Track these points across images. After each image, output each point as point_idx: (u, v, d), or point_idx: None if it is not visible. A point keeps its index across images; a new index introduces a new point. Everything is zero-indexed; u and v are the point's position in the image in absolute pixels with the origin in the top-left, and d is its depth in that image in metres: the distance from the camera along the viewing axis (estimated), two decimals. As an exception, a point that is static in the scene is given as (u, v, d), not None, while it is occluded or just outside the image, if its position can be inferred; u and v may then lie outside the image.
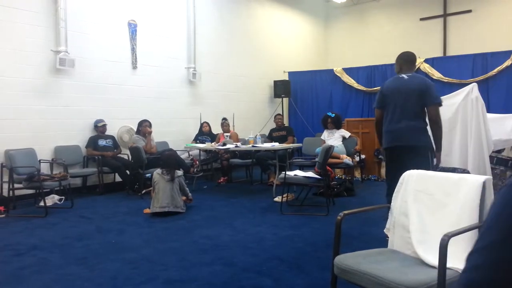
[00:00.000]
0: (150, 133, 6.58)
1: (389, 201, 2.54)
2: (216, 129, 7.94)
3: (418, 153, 3.51)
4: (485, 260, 0.64)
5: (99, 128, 6.57)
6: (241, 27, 9.44)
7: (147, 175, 6.24)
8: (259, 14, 9.94)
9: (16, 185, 5.34)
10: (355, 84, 9.63)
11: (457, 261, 1.95)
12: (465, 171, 3.83)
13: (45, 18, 6.06)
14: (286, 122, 9.69)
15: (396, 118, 3.64)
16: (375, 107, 3.90)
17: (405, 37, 10.58)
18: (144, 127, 6.58)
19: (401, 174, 2.49)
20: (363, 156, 7.43)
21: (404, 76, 3.70)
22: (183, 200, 5.08)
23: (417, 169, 2.47)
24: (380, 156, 7.45)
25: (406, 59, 3.83)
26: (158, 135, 6.90)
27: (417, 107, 3.60)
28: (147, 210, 5.02)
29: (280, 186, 5.55)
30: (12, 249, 3.72)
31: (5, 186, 5.44)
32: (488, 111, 4.40)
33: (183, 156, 7.19)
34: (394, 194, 2.45)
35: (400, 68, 3.82)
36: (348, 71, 9.77)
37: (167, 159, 5.18)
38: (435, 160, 3.64)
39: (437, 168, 3.58)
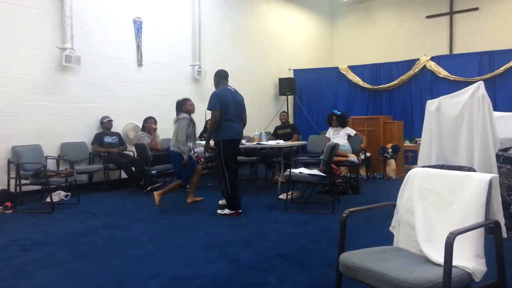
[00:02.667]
0: (155, 130, 6.59)
1: None
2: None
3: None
4: None
5: (105, 124, 6.60)
6: (246, 24, 9.43)
7: (153, 171, 6.28)
8: (264, 11, 9.92)
9: (23, 181, 5.38)
10: (360, 82, 9.61)
11: (463, 259, 1.95)
12: (471, 169, 3.81)
13: (51, 16, 6.09)
14: (291, 120, 9.68)
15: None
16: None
17: (411, 35, 10.54)
18: (149, 124, 6.61)
19: None
20: (368, 154, 7.42)
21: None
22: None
23: None
24: (385, 154, 7.44)
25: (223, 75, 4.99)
26: (163, 132, 6.92)
27: None
28: None
29: (285, 183, 5.55)
30: (19, 244, 3.76)
31: (12, 182, 5.49)
32: (495, 109, 4.36)
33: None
34: (399, 192, 2.45)
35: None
36: (354, 69, 9.75)
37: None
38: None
39: None
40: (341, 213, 2.30)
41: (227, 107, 4.73)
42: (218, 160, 4.86)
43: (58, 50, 6.13)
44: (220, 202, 5.12)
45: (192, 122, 5.32)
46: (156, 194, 5.20)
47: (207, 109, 4.85)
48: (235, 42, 9.12)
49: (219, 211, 4.84)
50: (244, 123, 5.03)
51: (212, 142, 5.05)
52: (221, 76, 5.02)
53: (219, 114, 4.71)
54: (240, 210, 4.79)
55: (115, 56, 6.90)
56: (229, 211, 4.77)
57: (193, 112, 5.42)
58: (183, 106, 5.35)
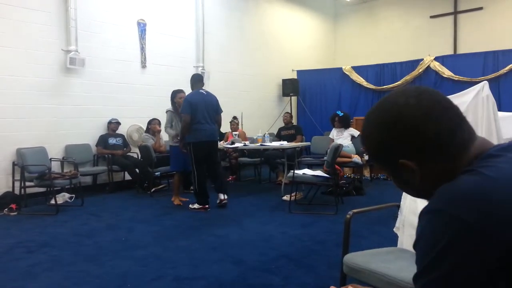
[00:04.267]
0: (159, 131, 6.61)
1: None
2: (225, 127, 7.94)
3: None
4: None
5: (111, 126, 6.62)
6: (250, 25, 9.44)
7: (156, 173, 6.29)
8: (267, 12, 9.93)
9: (27, 183, 5.40)
10: (364, 83, 9.59)
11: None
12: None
13: (55, 18, 6.12)
14: (294, 121, 9.67)
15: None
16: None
17: (415, 35, 10.50)
18: (153, 126, 6.62)
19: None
20: (372, 155, 7.39)
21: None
22: None
23: None
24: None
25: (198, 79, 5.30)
26: (167, 134, 6.93)
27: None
28: None
29: (288, 185, 5.54)
30: (24, 246, 3.77)
31: (17, 184, 5.51)
32: (499, 109, 4.34)
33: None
34: (403, 193, 2.44)
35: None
36: (357, 69, 9.73)
37: None
38: None
39: None
40: (345, 214, 2.30)
41: (197, 110, 5.00)
42: (190, 160, 5.14)
43: (62, 52, 6.16)
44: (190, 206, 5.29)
45: (173, 114, 5.53)
46: (174, 200, 5.49)
47: (179, 112, 5.21)
48: (238, 43, 9.13)
49: (190, 205, 5.21)
50: (218, 124, 5.32)
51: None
52: (195, 80, 5.32)
53: (189, 117, 4.99)
54: (207, 205, 5.11)
55: (119, 58, 6.93)
56: (198, 205, 5.12)
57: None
58: (174, 98, 5.60)
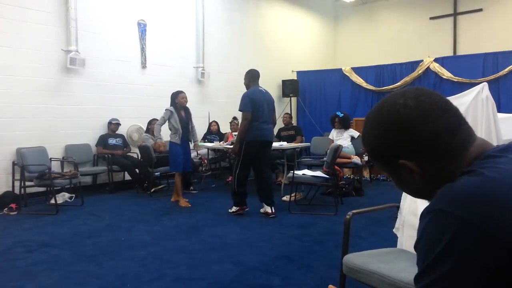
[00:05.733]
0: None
1: None
2: (225, 128, 7.96)
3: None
4: None
5: (112, 126, 6.63)
6: (250, 26, 9.45)
7: (156, 173, 6.29)
8: (267, 13, 9.93)
9: (27, 183, 5.40)
10: (363, 84, 9.59)
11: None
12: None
13: (56, 18, 6.12)
14: (294, 121, 9.68)
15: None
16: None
17: (414, 36, 10.51)
18: (153, 126, 6.62)
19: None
20: (371, 156, 7.39)
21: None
22: None
23: None
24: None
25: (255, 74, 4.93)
26: (166, 134, 6.92)
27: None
28: None
29: (288, 185, 5.55)
30: (23, 245, 3.78)
31: (17, 184, 5.52)
32: (499, 110, 4.34)
33: (192, 155, 7.21)
34: (403, 194, 2.45)
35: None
36: (357, 70, 9.74)
37: None
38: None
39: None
40: (345, 215, 2.30)
41: (258, 108, 4.70)
42: (236, 157, 4.87)
43: (62, 52, 6.16)
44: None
45: (173, 113, 5.52)
46: (181, 202, 5.45)
47: (239, 110, 4.83)
48: (238, 44, 9.13)
49: (229, 210, 4.95)
50: (274, 123, 5.04)
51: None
52: (252, 76, 4.93)
53: (250, 115, 4.67)
54: (245, 206, 4.88)
55: (120, 59, 6.93)
56: (236, 208, 4.86)
57: (183, 104, 5.62)
58: (176, 98, 5.57)
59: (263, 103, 4.76)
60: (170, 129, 5.58)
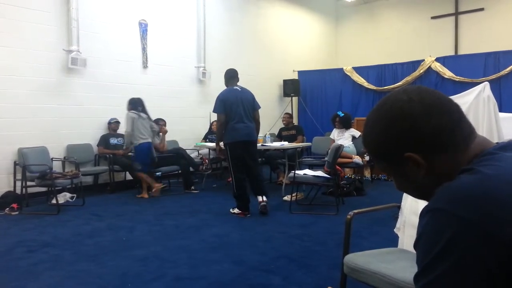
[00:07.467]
0: (166, 132, 6.62)
1: None
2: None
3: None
4: None
5: (112, 125, 6.63)
6: (251, 26, 9.44)
7: (157, 173, 6.29)
8: (268, 13, 9.93)
9: (29, 183, 5.42)
10: (365, 83, 9.59)
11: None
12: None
13: (57, 18, 6.13)
14: (295, 121, 9.68)
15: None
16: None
17: (416, 36, 10.50)
18: (160, 126, 6.61)
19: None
20: (373, 156, 7.38)
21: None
22: None
23: None
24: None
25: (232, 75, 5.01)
26: (168, 134, 6.94)
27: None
28: None
29: (289, 185, 5.54)
30: (25, 245, 3.78)
31: (18, 184, 5.53)
32: (500, 110, 4.35)
33: (193, 155, 7.22)
34: (404, 194, 2.45)
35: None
36: (358, 70, 9.73)
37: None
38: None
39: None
40: (346, 215, 2.30)
41: (231, 109, 4.74)
42: (226, 161, 4.94)
43: (64, 52, 6.16)
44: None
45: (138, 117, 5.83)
46: (153, 192, 5.81)
47: (213, 111, 4.95)
48: (239, 44, 9.13)
49: (231, 210, 4.95)
50: (256, 121, 4.97)
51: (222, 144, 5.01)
52: (229, 77, 5.05)
53: (223, 117, 4.75)
54: (246, 212, 4.83)
55: (121, 58, 6.94)
56: (238, 210, 4.86)
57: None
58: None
59: (238, 103, 4.78)
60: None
